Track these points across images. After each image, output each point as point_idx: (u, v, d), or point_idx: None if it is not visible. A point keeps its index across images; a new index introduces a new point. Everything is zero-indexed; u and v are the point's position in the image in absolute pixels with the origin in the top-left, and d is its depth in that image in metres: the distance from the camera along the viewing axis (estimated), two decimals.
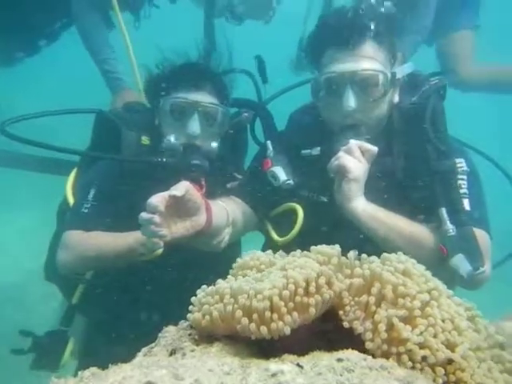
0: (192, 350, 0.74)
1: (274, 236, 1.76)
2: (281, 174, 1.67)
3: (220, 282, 0.86)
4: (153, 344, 0.81)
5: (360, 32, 1.54)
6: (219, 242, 1.53)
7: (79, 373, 0.74)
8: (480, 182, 1.66)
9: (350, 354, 0.66)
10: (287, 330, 0.74)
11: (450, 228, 1.47)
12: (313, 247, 0.90)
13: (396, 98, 1.67)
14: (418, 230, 1.54)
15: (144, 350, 0.80)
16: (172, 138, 1.80)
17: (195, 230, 1.30)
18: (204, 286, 0.86)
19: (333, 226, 1.61)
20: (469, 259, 1.41)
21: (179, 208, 1.25)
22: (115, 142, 1.83)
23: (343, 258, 0.87)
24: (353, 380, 0.59)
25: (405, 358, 0.71)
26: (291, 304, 0.74)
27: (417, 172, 1.61)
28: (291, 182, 1.68)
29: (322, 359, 0.65)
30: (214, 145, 1.86)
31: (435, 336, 0.75)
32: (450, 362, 0.74)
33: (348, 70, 1.55)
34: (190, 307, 0.83)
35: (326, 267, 0.81)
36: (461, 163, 1.56)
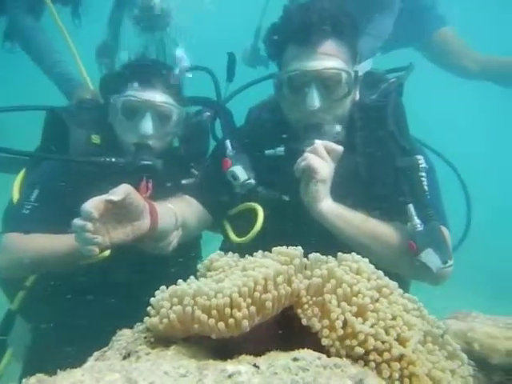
0: (147, 354, 0.73)
1: (232, 236, 1.73)
2: (241, 173, 1.64)
3: (180, 283, 0.84)
4: (106, 348, 0.78)
5: (323, 30, 1.52)
6: (166, 245, 1.48)
7: (23, 380, 0.70)
8: (437, 178, 1.70)
9: (306, 354, 0.67)
10: (245, 324, 0.74)
11: (417, 223, 1.48)
12: (274, 248, 0.90)
13: (357, 96, 1.66)
14: (385, 229, 1.55)
15: (96, 354, 0.77)
16: (124, 138, 1.75)
17: (137, 235, 1.24)
18: (163, 287, 0.84)
19: (294, 226, 1.59)
20: (437, 253, 1.43)
21: (120, 212, 1.18)
22: (64, 140, 1.74)
23: (305, 259, 0.88)
24: (307, 379, 0.60)
25: (358, 349, 0.73)
26: (249, 300, 0.74)
27: (380, 169, 1.62)
28: (252, 181, 1.65)
29: (279, 359, 0.66)
30: (168, 145, 1.82)
31: (386, 330, 0.79)
32: (402, 356, 0.78)
33: (312, 68, 1.53)
34: (149, 308, 0.81)
35: (287, 267, 0.83)
36: (420, 160, 1.57)
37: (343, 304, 0.78)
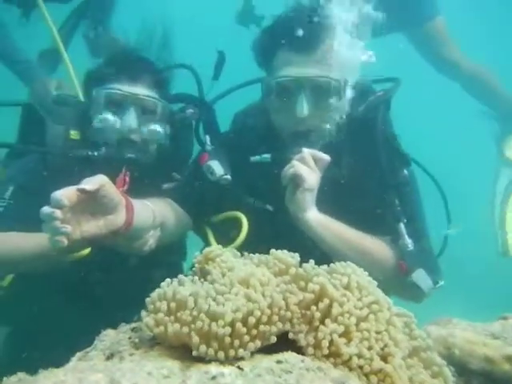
0: (131, 354, 0.72)
1: (214, 244, 1.64)
2: (217, 168, 1.60)
3: (182, 281, 0.81)
4: (89, 348, 0.77)
5: (317, 36, 1.49)
6: (142, 244, 1.41)
7: (4, 379, 0.69)
8: (420, 192, 1.69)
9: (289, 356, 0.68)
10: (247, 356, 0.72)
11: (408, 243, 1.46)
12: (272, 251, 0.89)
13: (347, 107, 1.63)
14: (374, 245, 1.51)
15: (79, 354, 0.76)
16: (106, 132, 1.70)
17: (110, 230, 1.17)
18: (168, 280, 0.80)
19: (277, 236, 1.53)
20: (429, 274, 1.42)
21: (93, 204, 1.12)
22: (42, 136, 1.70)
23: (300, 269, 0.86)
24: (290, 381, 0.60)
25: (341, 367, 0.73)
26: (254, 331, 0.72)
27: (367, 183, 1.60)
28: (228, 177, 1.61)
29: (262, 361, 0.66)
30: (152, 140, 1.77)
31: (370, 348, 0.79)
32: (382, 370, 0.78)
33: (303, 75, 1.49)
34: (147, 300, 0.77)
35: (283, 280, 0.82)
36: (406, 175, 1.58)
37: (332, 325, 0.78)
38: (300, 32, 1.49)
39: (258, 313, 0.73)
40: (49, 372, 0.69)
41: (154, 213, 1.43)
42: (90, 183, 1.08)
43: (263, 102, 1.69)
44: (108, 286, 1.69)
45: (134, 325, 0.81)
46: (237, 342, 0.71)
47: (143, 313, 0.78)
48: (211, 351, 0.70)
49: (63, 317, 1.67)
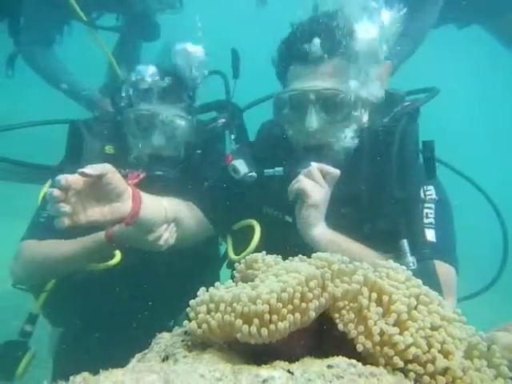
0: (184, 357, 0.74)
1: (231, 253, 1.71)
2: (242, 166, 1.61)
3: (218, 287, 0.85)
4: (146, 350, 0.81)
5: (326, 48, 1.43)
6: (156, 238, 1.43)
7: (71, 378, 0.74)
8: (450, 211, 1.57)
9: (340, 361, 0.66)
10: (287, 331, 0.73)
11: (410, 261, 1.36)
12: (314, 254, 0.88)
13: (364, 119, 1.55)
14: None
15: (138, 355, 0.80)
16: (137, 149, 1.82)
17: (114, 217, 1.20)
18: (203, 289, 0.83)
19: (297, 247, 1.50)
20: None
21: (99, 191, 1.16)
22: (81, 151, 1.81)
23: (343, 265, 0.85)
24: None
25: (396, 359, 0.71)
26: (290, 306, 0.73)
27: (379, 198, 1.50)
28: (253, 174, 1.60)
29: (313, 366, 0.65)
30: (181, 152, 1.87)
31: (427, 340, 0.75)
32: (446, 371, 0.74)
33: (310, 88, 1.45)
34: (188, 309, 0.81)
35: (321, 270, 0.81)
36: (429, 191, 1.49)
37: (380, 309, 0.76)
38: (309, 44, 1.43)
39: (290, 290, 0.74)
40: (109, 372, 0.73)
41: (165, 207, 1.45)
42: (92, 169, 1.12)
43: (274, 116, 1.65)
44: (143, 289, 1.77)
45: (186, 328, 0.83)
46: (275, 317, 0.72)
47: (186, 322, 0.80)
48: (254, 329, 0.72)
49: (102, 319, 1.78)
